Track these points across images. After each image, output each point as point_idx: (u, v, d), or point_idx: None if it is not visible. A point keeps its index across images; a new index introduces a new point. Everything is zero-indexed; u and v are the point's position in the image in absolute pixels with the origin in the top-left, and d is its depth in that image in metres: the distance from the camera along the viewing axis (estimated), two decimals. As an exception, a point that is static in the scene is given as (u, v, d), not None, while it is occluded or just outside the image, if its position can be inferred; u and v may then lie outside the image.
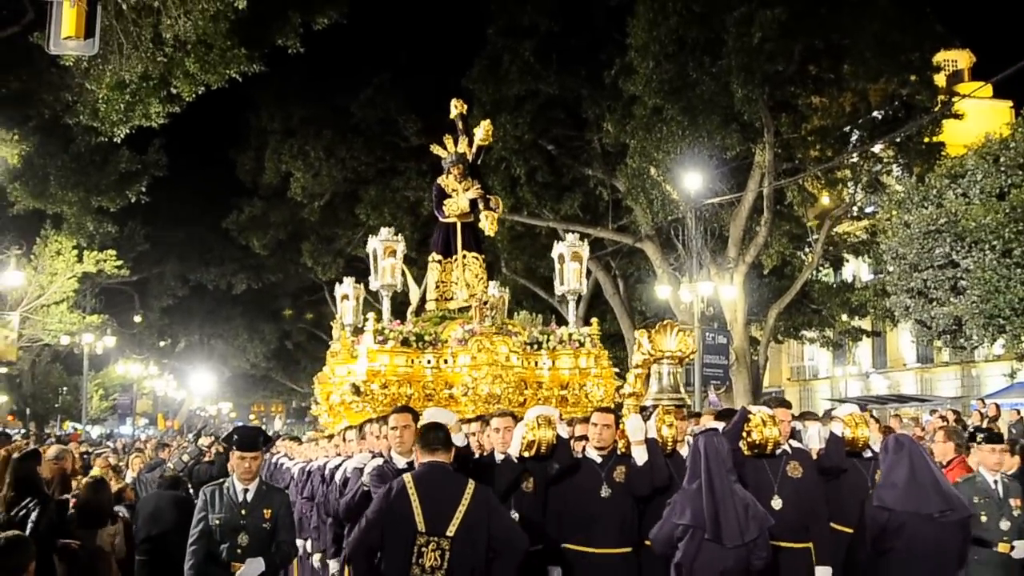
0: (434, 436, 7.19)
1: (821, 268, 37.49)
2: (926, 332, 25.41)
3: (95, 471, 14.72)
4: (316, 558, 11.26)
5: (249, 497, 8.24)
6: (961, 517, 7.24)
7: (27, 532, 8.93)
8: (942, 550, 7.17)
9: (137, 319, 56.20)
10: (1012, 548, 8.93)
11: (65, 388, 52.88)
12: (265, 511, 8.26)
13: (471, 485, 7.04)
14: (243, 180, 44.50)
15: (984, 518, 8.83)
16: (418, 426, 8.46)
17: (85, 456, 18.97)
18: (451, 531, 6.79)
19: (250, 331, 60.75)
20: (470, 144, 14.89)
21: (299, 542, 11.10)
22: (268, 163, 40.76)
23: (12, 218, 34.74)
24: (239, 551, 8.09)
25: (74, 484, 11.96)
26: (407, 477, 7.05)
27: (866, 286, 31.95)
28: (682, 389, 10.65)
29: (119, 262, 38.52)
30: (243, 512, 8.18)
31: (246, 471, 8.28)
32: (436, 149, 15.22)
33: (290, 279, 52.88)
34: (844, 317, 37.42)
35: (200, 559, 8.11)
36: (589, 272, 37.36)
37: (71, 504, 10.84)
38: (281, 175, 40.68)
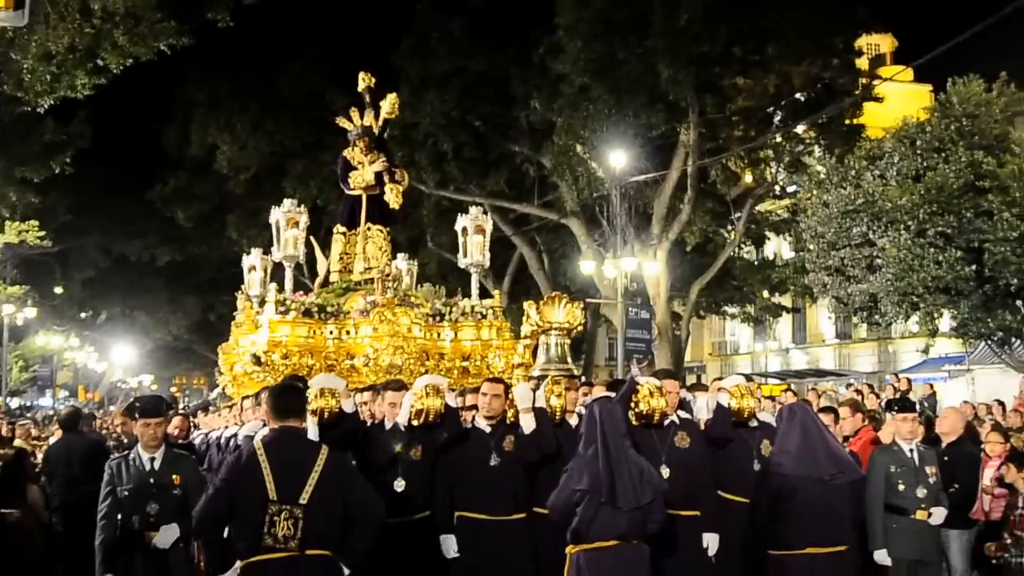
0: (286, 401, 6.93)
1: (743, 245, 38.01)
2: (843, 309, 26.09)
3: (17, 442, 14.78)
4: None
5: (156, 465, 8.26)
6: (851, 479, 7.62)
7: None
8: (834, 511, 7.55)
9: (58, 290, 55.42)
10: (929, 515, 9.22)
11: (-16, 359, 52.22)
12: (174, 477, 8.26)
13: (324, 451, 6.79)
14: (168, 152, 43.98)
15: (902, 486, 9.10)
16: (305, 393, 8.45)
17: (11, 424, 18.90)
18: (304, 499, 6.49)
19: (173, 303, 60.07)
20: (376, 117, 14.80)
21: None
22: (194, 136, 40.36)
23: (-68, 188, 34.32)
24: (151, 519, 8.09)
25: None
26: (257, 443, 6.77)
27: (787, 264, 32.55)
28: (569, 360, 10.89)
29: (41, 233, 38.22)
30: (151, 480, 8.20)
31: (152, 437, 8.28)
32: (342, 121, 15.10)
33: (214, 251, 52.32)
34: (765, 294, 38.04)
35: (111, 531, 8.11)
36: (514, 246, 37.97)
37: None
38: (207, 148, 40.31)
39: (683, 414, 9.13)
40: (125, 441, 12.90)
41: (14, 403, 51.59)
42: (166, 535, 8.11)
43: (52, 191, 42.23)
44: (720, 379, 10.10)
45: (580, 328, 11.29)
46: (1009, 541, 9.38)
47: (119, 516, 8.12)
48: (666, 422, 8.64)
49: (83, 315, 62.86)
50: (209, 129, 39.39)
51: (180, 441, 11.35)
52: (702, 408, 9.53)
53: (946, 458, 10.12)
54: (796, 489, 7.54)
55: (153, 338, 66.51)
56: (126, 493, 8.15)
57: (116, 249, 53.29)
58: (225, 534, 6.78)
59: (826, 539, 7.54)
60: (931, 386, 23.22)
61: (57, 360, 62.79)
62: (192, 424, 14.31)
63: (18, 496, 10.77)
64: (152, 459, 8.29)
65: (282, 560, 6.48)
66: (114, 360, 73.82)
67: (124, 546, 8.11)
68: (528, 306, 10.69)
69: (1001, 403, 18.61)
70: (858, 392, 19.88)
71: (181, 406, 30.80)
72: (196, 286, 58.61)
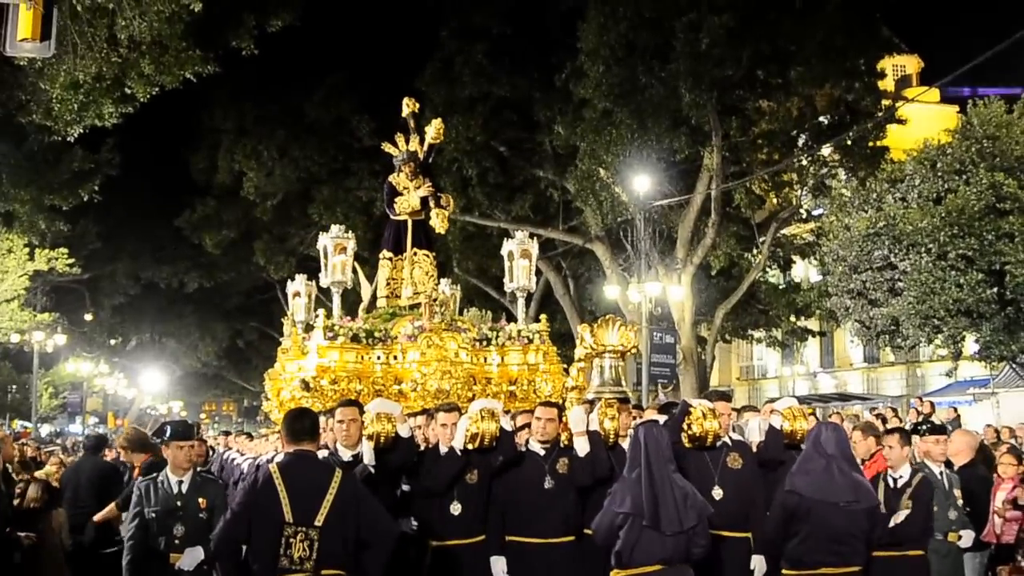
0: (300, 425, 7.02)
1: (768, 269, 37.92)
2: (865, 332, 25.98)
3: (48, 468, 14.90)
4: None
5: (184, 488, 8.43)
6: (867, 507, 7.61)
7: None
8: (849, 533, 7.50)
9: (88, 317, 55.71)
10: (960, 537, 9.28)
11: (15, 386, 52.54)
12: (200, 501, 8.41)
13: (338, 474, 6.90)
14: (196, 179, 44.31)
15: (935, 508, 9.00)
16: (362, 418, 8.72)
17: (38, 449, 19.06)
18: (319, 521, 6.63)
19: (201, 330, 60.33)
20: (421, 142, 14.95)
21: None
22: (221, 162, 40.65)
23: (-37, 216, 34.65)
24: (177, 541, 8.24)
25: (14, 476, 12.08)
26: (273, 467, 6.89)
27: (812, 287, 32.48)
28: (624, 382, 10.91)
29: (71, 260, 38.37)
30: (178, 503, 8.36)
31: (185, 459, 8.47)
32: (388, 147, 15.26)
33: (242, 278, 52.65)
34: (791, 318, 37.94)
35: (138, 552, 8.24)
36: (540, 272, 38.00)
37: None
38: (234, 174, 40.58)
39: (735, 436, 9.21)
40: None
41: (44, 430, 52.02)
42: (191, 557, 8.24)
43: (81, 219, 42.69)
44: (773, 401, 10.09)
45: (635, 350, 11.29)
46: (1023, 563, 9.36)
47: (145, 538, 8.27)
48: (718, 444, 8.70)
49: (112, 342, 63.12)
50: (236, 156, 39.65)
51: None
52: (753, 430, 9.61)
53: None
54: (810, 511, 7.52)
55: (182, 364, 66.69)
56: (153, 515, 8.31)
57: (145, 276, 53.62)
58: (243, 556, 6.88)
59: (840, 560, 7.51)
60: (955, 410, 23.13)
61: (87, 387, 63.11)
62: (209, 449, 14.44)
63: (39, 521, 10.87)
64: (180, 482, 8.47)
65: (298, 581, 6.61)
66: (143, 387, 74.03)
67: (150, 567, 8.25)
68: (582, 328, 10.67)
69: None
70: (879, 416, 19.79)
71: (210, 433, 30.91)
72: (225, 312, 58.91)
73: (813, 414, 25.29)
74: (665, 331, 32.91)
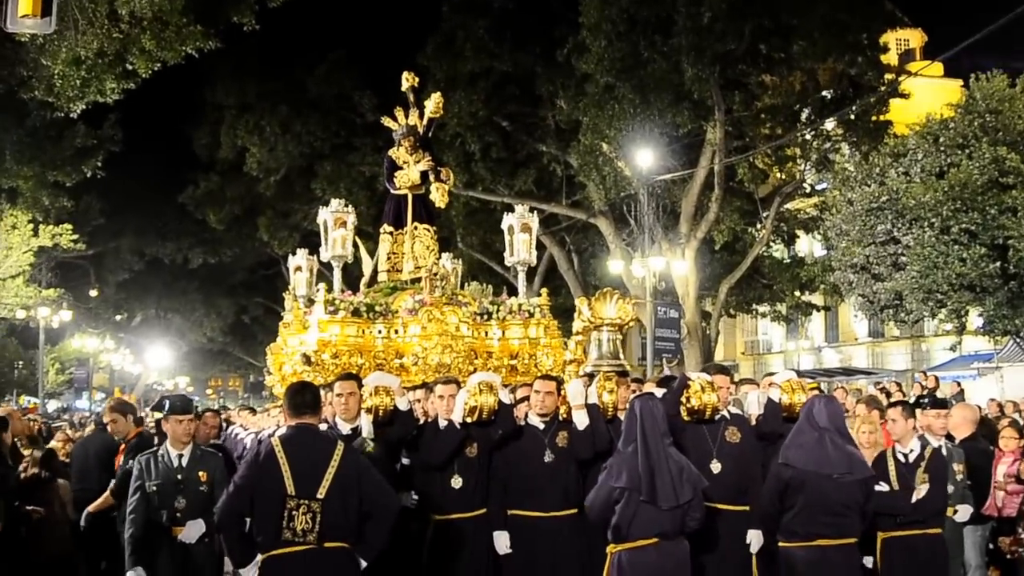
0: (302, 399, 7.04)
1: (772, 244, 37.93)
2: (869, 307, 25.98)
3: (54, 443, 14.95)
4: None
5: (184, 461, 8.50)
6: (860, 478, 7.64)
7: None
8: (844, 505, 7.53)
9: (93, 293, 55.73)
10: (955, 512, 9.29)
11: (21, 362, 52.59)
12: (201, 474, 8.49)
13: (340, 447, 6.94)
14: (199, 155, 44.28)
15: None
16: (360, 391, 8.71)
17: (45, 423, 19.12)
18: (321, 493, 6.67)
19: (207, 305, 60.48)
20: (421, 116, 14.88)
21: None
22: (224, 138, 40.61)
23: (-33, 193, 34.71)
24: (178, 515, 8.33)
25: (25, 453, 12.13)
26: (275, 440, 6.93)
27: (815, 262, 32.48)
28: (622, 355, 10.89)
29: (75, 236, 38.45)
30: (179, 477, 8.42)
31: (184, 433, 8.53)
32: (387, 121, 15.20)
33: (246, 253, 52.69)
34: (796, 292, 37.97)
35: (139, 525, 8.29)
36: (543, 247, 38.02)
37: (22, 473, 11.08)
38: (237, 150, 40.56)
39: (734, 409, 9.17)
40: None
41: (51, 406, 52.14)
42: (192, 530, 8.35)
43: (85, 195, 42.69)
44: (771, 374, 10.06)
45: (632, 324, 11.28)
46: (1024, 536, 9.40)
47: (147, 511, 8.33)
48: (717, 417, 8.67)
49: (118, 317, 63.24)
50: (238, 131, 39.61)
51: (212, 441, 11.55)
52: (752, 403, 9.51)
53: (959, 454, 10.11)
54: (804, 483, 7.53)
55: (188, 340, 66.87)
56: (154, 488, 8.37)
57: (149, 251, 53.67)
58: (246, 528, 6.95)
59: (835, 532, 7.53)
60: (958, 384, 23.10)
61: (93, 363, 63.22)
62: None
63: (46, 494, 10.93)
64: (180, 456, 8.54)
65: (301, 553, 6.66)
66: (149, 362, 74.23)
67: (152, 540, 8.32)
68: (580, 302, 10.69)
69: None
70: (883, 391, 19.81)
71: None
72: (230, 288, 59.03)
73: (817, 388, 25.44)
74: (669, 306, 32.90)
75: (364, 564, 6.95)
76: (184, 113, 45.00)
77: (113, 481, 9.96)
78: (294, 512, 6.63)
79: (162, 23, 24.11)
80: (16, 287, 36.99)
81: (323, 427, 8.25)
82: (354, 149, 39.40)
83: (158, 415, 13.57)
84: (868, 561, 8.80)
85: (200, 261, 53.21)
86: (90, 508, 10.27)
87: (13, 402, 44.93)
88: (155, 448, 8.74)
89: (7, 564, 8.88)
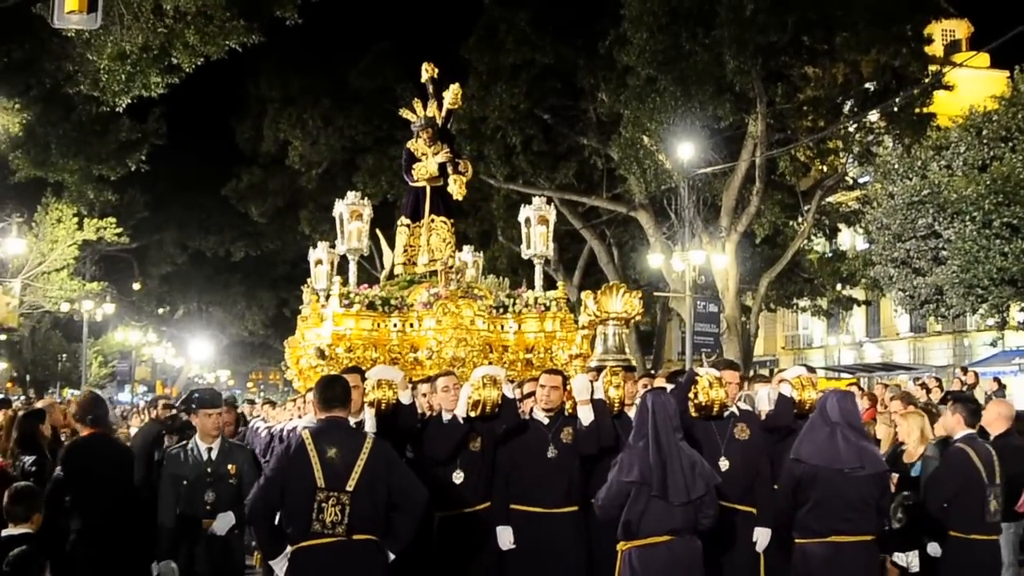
0: (331, 392, 7.13)
1: (813, 237, 37.74)
2: (909, 301, 25.80)
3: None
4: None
5: (213, 455, 8.59)
6: (873, 472, 7.58)
7: None
8: (859, 501, 7.48)
9: (136, 286, 56.27)
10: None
11: (64, 355, 53.16)
12: (230, 467, 8.58)
13: (369, 439, 7.05)
14: (242, 148, 44.68)
15: None
16: (364, 385, 8.72)
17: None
18: (351, 486, 6.74)
19: (248, 298, 60.89)
20: (440, 108, 14.70)
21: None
22: (267, 132, 40.92)
23: (14, 186, 35.02)
24: (208, 507, 8.41)
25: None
26: (305, 433, 7.01)
27: (857, 256, 32.31)
28: (628, 350, 10.77)
29: (119, 230, 38.87)
30: (208, 470, 8.51)
31: (213, 426, 8.62)
32: (406, 113, 15.00)
33: (288, 247, 52.93)
34: (837, 287, 37.78)
35: (170, 517, 8.41)
36: (583, 240, 37.99)
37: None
38: (279, 143, 40.86)
39: (743, 405, 9.05)
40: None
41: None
42: (222, 522, 8.44)
43: (129, 188, 43.18)
44: (782, 371, 9.98)
45: (639, 318, 11.18)
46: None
47: (177, 503, 8.46)
48: (725, 413, 8.61)
49: (160, 311, 63.82)
50: (281, 125, 39.89)
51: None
52: (763, 399, 9.44)
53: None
54: (817, 478, 7.48)
55: (229, 333, 67.36)
56: (184, 482, 8.48)
57: (192, 245, 54.18)
58: (276, 521, 7.04)
59: (851, 527, 7.48)
60: (997, 380, 22.86)
61: (135, 355, 63.80)
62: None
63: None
64: (209, 449, 8.64)
65: (330, 545, 6.74)
66: (191, 355, 74.83)
67: (182, 532, 8.43)
68: (585, 296, 10.55)
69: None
70: (922, 386, 19.65)
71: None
72: (271, 281, 59.34)
73: (856, 384, 25.32)
74: (709, 300, 32.80)
75: (392, 556, 7.04)
76: (227, 107, 45.59)
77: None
78: (324, 504, 6.73)
79: (206, 18, 24.31)
80: (61, 280, 37.45)
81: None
82: (396, 142, 39.31)
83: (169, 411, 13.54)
84: (933, 548, 8.78)
85: (242, 254, 53.69)
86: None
87: (57, 395, 45.41)
88: (184, 442, 8.86)
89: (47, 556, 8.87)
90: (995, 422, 9.93)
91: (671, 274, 33.74)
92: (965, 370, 23.47)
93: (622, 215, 37.32)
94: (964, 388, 19.55)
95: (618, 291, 10.30)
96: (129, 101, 26.78)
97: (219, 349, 75.13)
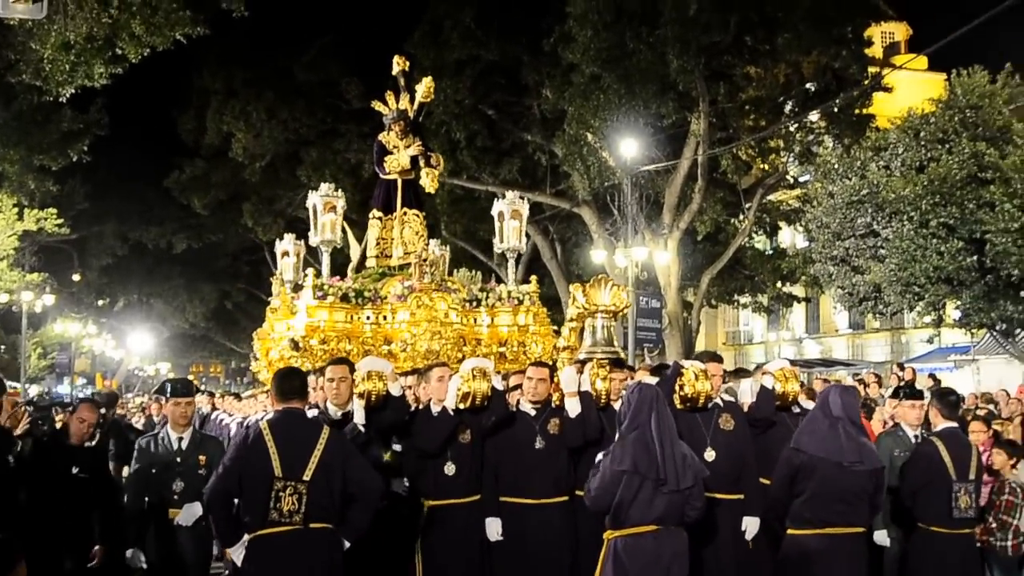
0: (289, 384, 7.23)
1: (754, 235, 38.06)
2: (848, 298, 26.17)
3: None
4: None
5: (183, 445, 8.69)
6: (871, 468, 7.73)
7: None
8: (853, 494, 7.66)
9: (76, 278, 55.54)
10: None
11: (3, 346, 52.50)
12: (200, 458, 8.66)
13: (326, 430, 7.13)
14: (185, 140, 44.20)
15: None
16: (352, 376, 8.73)
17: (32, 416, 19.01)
18: (307, 475, 6.85)
19: (189, 291, 60.26)
20: (411, 101, 14.80)
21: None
22: (210, 124, 40.53)
23: (-48, 176, 34.63)
24: (175, 497, 8.51)
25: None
26: (263, 424, 7.09)
27: (797, 253, 32.72)
28: (616, 343, 10.92)
29: (59, 220, 38.40)
30: (178, 460, 8.60)
31: (182, 416, 8.71)
32: (378, 106, 15.09)
33: (230, 239, 52.64)
34: (777, 284, 38.14)
35: (138, 506, 8.52)
36: (527, 235, 38.07)
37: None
38: (223, 136, 40.48)
39: (727, 397, 9.22)
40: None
41: (33, 390, 51.99)
42: (188, 513, 8.53)
43: (70, 179, 42.63)
44: (765, 364, 10.14)
45: (627, 311, 11.26)
46: (994, 526, 9.54)
47: (145, 492, 8.56)
48: (710, 405, 8.74)
49: (100, 302, 63.00)
50: (225, 117, 39.55)
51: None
52: (745, 391, 9.60)
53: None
54: (815, 469, 7.63)
55: (170, 326, 66.70)
56: (153, 471, 8.57)
57: (133, 236, 53.57)
58: (234, 510, 7.14)
59: (844, 520, 7.64)
60: (933, 377, 23.30)
61: (75, 348, 62.96)
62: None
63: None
64: (180, 439, 8.75)
65: (287, 533, 6.87)
66: (131, 348, 73.99)
67: (149, 521, 8.53)
68: (575, 288, 10.60)
69: (1006, 392, 18.69)
70: (861, 382, 19.93)
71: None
72: (213, 274, 58.90)
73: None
74: (651, 296, 33.03)
75: (347, 545, 7.14)
76: (170, 98, 45.02)
77: None
78: (281, 493, 6.83)
79: (152, 8, 24.03)
80: (0, 271, 36.95)
81: (313, 412, 8.39)
82: (340, 136, 39.42)
83: (139, 400, 13.58)
84: (881, 536, 8.99)
85: (184, 246, 53.14)
86: None
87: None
88: (156, 431, 8.95)
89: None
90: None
91: (614, 270, 33.84)
92: (902, 366, 23.85)
93: (565, 211, 37.46)
94: (901, 384, 19.84)
95: (606, 284, 10.39)
96: (72, 91, 26.48)
97: (160, 341, 74.35)
